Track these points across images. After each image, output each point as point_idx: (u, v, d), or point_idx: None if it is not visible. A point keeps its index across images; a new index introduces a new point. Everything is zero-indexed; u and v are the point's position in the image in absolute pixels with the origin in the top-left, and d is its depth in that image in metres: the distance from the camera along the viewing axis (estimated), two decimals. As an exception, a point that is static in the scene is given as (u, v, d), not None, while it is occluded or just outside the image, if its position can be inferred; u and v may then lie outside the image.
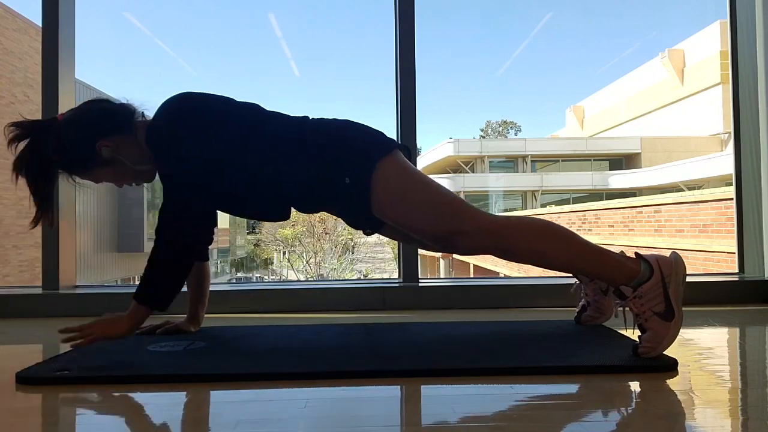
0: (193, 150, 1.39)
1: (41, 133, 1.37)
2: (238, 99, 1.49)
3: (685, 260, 1.30)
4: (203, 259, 1.68)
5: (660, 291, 1.25)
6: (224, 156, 1.41)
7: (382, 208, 1.41)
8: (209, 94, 1.47)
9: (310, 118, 1.49)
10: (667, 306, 1.24)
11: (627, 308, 1.29)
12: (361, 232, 1.61)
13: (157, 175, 1.47)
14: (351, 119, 1.49)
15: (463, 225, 1.36)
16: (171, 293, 1.40)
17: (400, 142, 2.35)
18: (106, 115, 1.44)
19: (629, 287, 1.27)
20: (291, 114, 1.50)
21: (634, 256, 1.32)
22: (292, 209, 1.53)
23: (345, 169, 1.39)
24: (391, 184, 1.38)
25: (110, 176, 1.46)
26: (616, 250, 1.43)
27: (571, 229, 1.38)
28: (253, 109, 1.48)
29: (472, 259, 14.58)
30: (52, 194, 1.40)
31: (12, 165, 1.35)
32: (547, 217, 11.57)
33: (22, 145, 1.36)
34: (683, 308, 1.26)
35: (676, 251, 1.31)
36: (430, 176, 1.46)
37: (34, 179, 1.36)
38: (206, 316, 1.74)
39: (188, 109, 1.42)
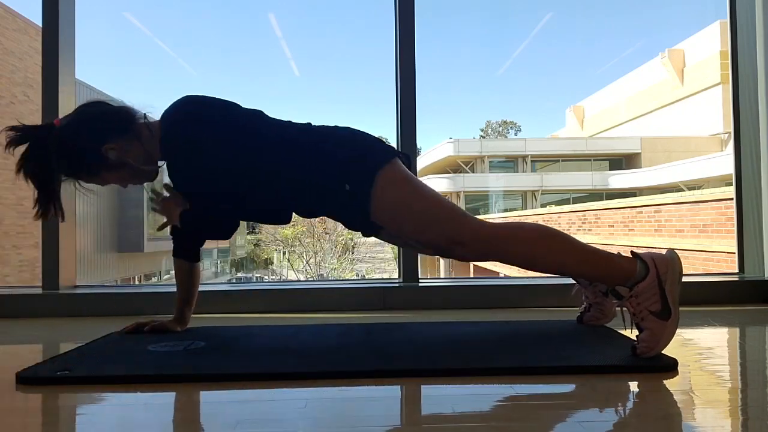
0: (204, 155, 1.42)
1: (39, 140, 1.37)
2: (241, 101, 1.52)
3: (685, 260, 1.30)
4: (195, 260, 1.68)
5: (656, 290, 1.25)
6: (229, 160, 1.43)
7: (381, 216, 1.42)
8: (214, 99, 1.48)
9: (313, 124, 1.51)
10: (663, 305, 1.24)
11: (624, 308, 1.29)
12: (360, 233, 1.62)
13: (158, 173, 1.50)
14: (352, 127, 1.52)
15: (459, 235, 1.38)
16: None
17: (400, 142, 2.35)
18: (108, 118, 1.45)
19: (625, 287, 1.28)
20: (294, 118, 1.53)
21: (630, 255, 1.32)
22: (294, 214, 1.54)
23: (346, 176, 1.40)
24: (390, 194, 1.40)
25: (117, 178, 1.48)
26: (615, 250, 1.44)
27: (570, 229, 1.38)
28: (257, 115, 1.49)
29: (472, 259, 14.56)
30: (59, 191, 1.42)
31: (16, 169, 1.37)
32: (546, 217, 11.58)
33: (21, 149, 1.37)
34: (683, 307, 1.26)
35: (673, 249, 1.31)
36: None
37: (39, 181, 1.39)
38: (206, 316, 1.74)
39: (197, 114, 1.43)
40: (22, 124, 1.40)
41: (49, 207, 1.41)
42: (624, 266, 1.30)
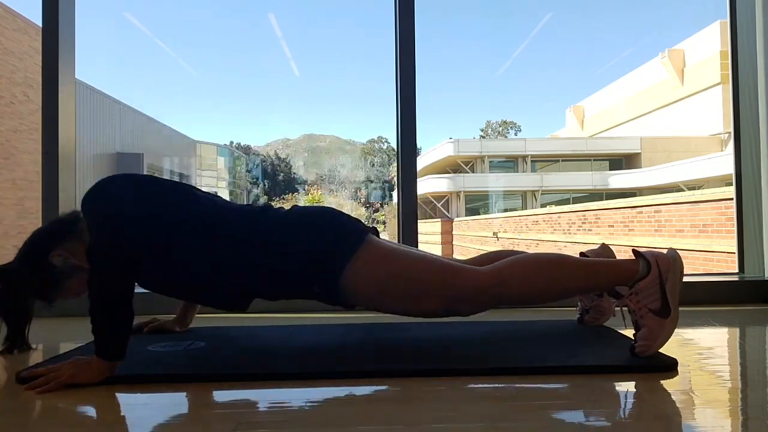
0: (131, 222, 1.25)
1: (8, 275, 1.34)
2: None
3: (685, 260, 1.30)
4: None
5: (657, 288, 1.25)
6: (168, 247, 1.30)
7: (365, 304, 1.35)
8: (147, 177, 1.36)
9: (271, 208, 1.38)
10: (663, 303, 1.24)
11: (624, 306, 1.29)
12: None
13: None
14: (307, 206, 1.40)
15: (458, 293, 1.29)
16: (119, 340, 1.21)
17: (400, 141, 2.35)
18: (48, 230, 1.40)
19: (625, 286, 1.27)
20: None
21: (632, 255, 1.31)
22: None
23: (311, 280, 1.31)
24: (366, 282, 1.30)
25: (81, 285, 1.32)
26: (615, 250, 1.43)
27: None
28: (207, 199, 1.35)
29: (472, 259, 14.54)
30: (26, 327, 1.43)
31: None
32: (546, 218, 11.57)
33: None
34: (684, 307, 1.26)
35: (674, 249, 1.31)
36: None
37: (8, 318, 1.40)
38: (206, 316, 1.74)
39: (126, 189, 1.29)
40: None
41: (15, 341, 1.42)
42: (628, 267, 1.28)
